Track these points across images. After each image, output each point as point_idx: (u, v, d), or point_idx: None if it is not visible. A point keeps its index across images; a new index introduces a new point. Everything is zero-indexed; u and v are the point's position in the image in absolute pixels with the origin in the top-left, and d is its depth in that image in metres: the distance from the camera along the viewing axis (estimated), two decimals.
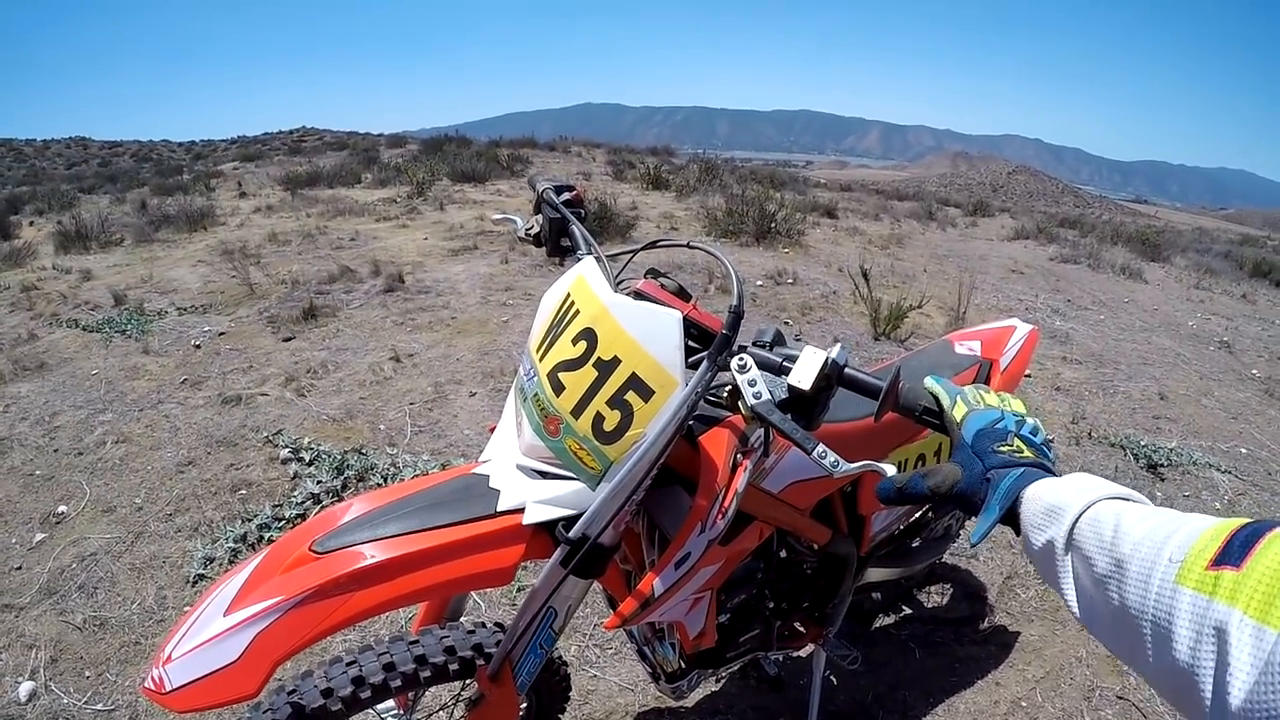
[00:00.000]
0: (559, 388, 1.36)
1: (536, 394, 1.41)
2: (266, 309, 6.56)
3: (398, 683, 1.45)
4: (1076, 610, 0.86)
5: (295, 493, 3.70)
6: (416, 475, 3.73)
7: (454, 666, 1.51)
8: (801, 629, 2.25)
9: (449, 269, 7.86)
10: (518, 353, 5.37)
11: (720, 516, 1.46)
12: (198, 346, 5.75)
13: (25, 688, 2.69)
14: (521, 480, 1.41)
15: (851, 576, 2.16)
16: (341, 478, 3.77)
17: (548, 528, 1.39)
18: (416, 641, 1.51)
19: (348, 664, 1.45)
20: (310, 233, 10.16)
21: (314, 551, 1.32)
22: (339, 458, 3.94)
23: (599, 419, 1.32)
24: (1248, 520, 0.71)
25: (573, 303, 1.43)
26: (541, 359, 1.43)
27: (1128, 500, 0.89)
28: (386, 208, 12.20)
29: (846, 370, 1.27)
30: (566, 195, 1.89)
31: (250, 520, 3.49)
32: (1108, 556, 0.80)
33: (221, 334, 6.01)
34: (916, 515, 2.60)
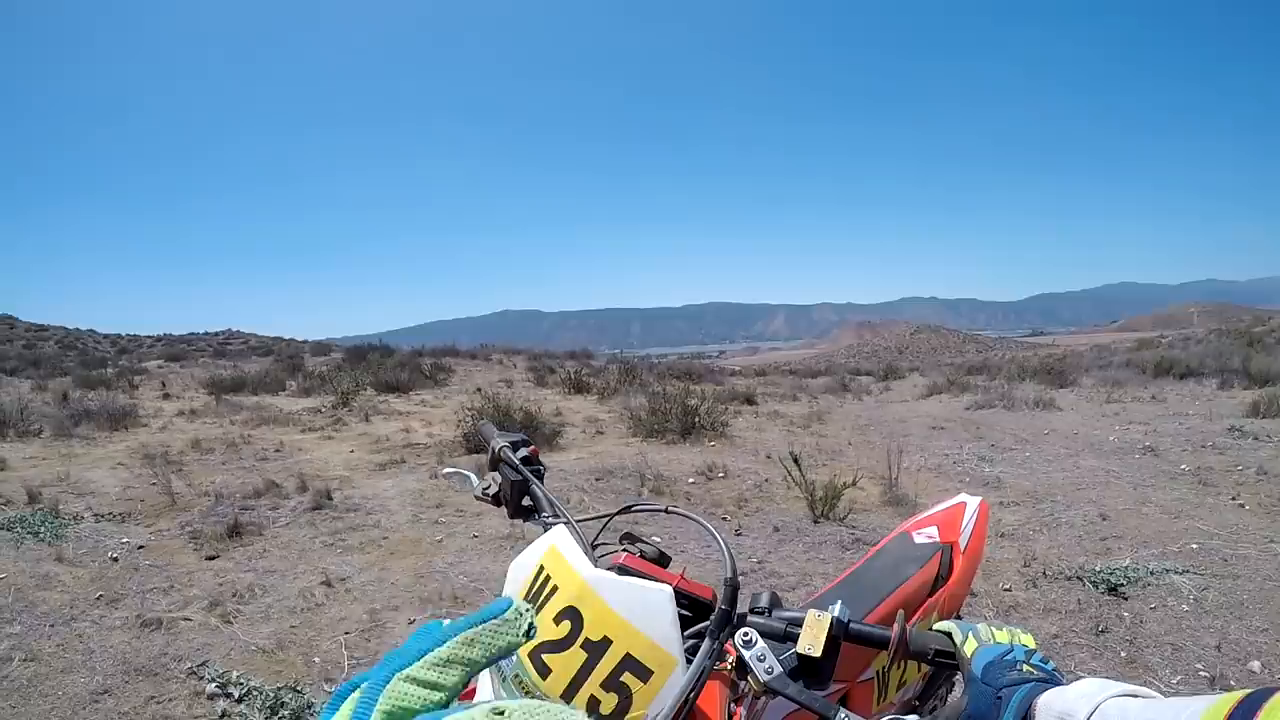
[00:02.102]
0: (544, 670, 1.27)
1: (518, 675, 1.31)
2: (189, 523, 6.36)
3: None
4: None
5: None
6: None
7: None
8: None
9: (377, 484, 7.78)
10: (455, 574, 5.28)
11: None
12: (115, 559, 5.51)
13: None
14: None
15: None
16: (276, 718, 3.53)
17: None
18: None
19: None
20: (234, 441, 10.04)
21: None
22: (272, 695, 3.68)
23: (594, 702, 1.23)
24: (1246, 692, 0.71)
25: (548, 577, 1.37)
26: None
27: (1134, 695, 0.90)
28: (312, 418, 12.18)
29: (852, 626, 1.29)
30: (524, 452, 1.83)
31: None
32: None
33: (141, 547, 5.78)
34: (904, 712, 2.55)
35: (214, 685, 3.83)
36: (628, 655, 1.23)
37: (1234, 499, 6.37)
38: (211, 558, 5.65)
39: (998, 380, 16.40)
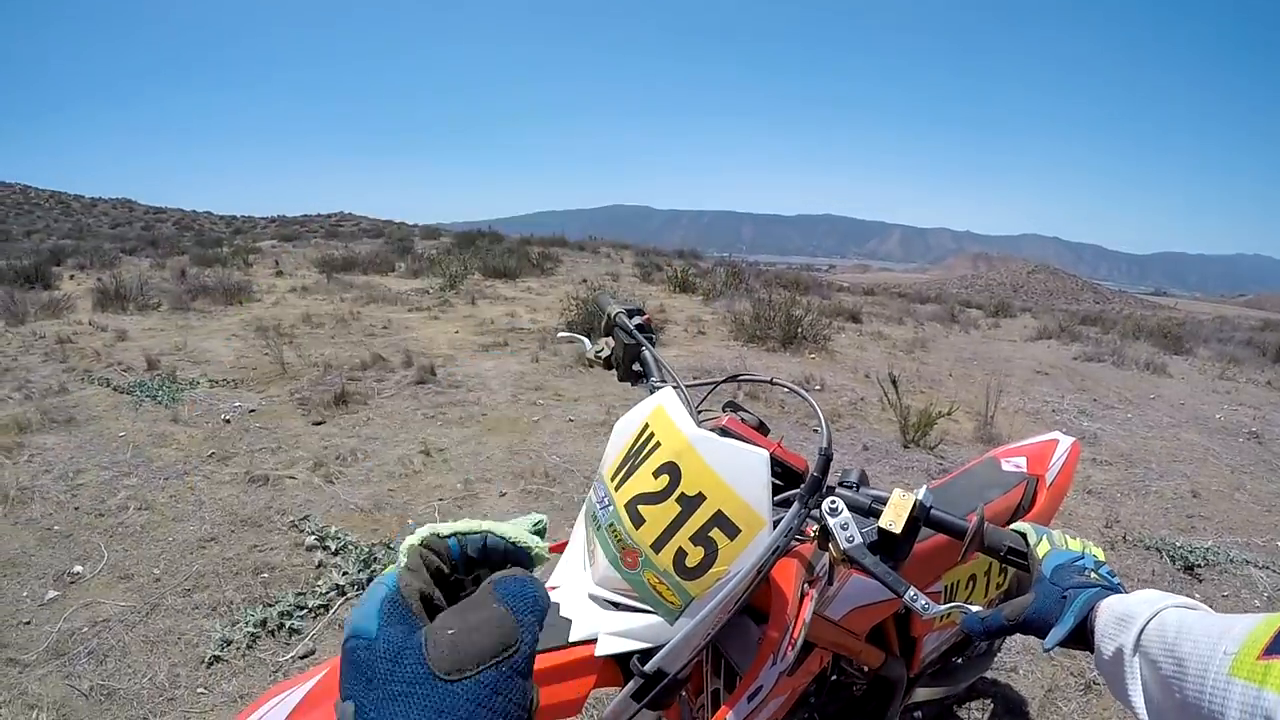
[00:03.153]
0: (639, 520, 1.30)
1: (613, 524, 1.34)
2: (298, 390, 6.59)
3: None
4: (1145, 717, 0.87)
5: (320, 582, 3.60)
6: None
7: None
8: None
9: (480, 364, 7.90)
10: (548, 454, 5.34)
11: (790, 648, 1.42)
12: (227, 421, 5.76)
13: None
14: (594, 611, 1.34)
15: (900, 698, 2.12)
16: (369, 571, 3.66)
17: (620, 658, 1.31)
18: None
19: None
20: (344, 317, 10.30)
21: None
22: (366, 550, 3.84)
23: (681, 554, 1.26)
24: None
25: (652, 434, 1.39)
26: (618, 489, 1.37)
27: (1194, 609, 0.92)
28: (419, 298, 12.39)
29: (933, 512, 1.30)
30: (638, 320, 1.87)
31: (272, 606, 3.38)
32: (1171, 657, 0.82)
33: (252, 411, 6.01)
34: (963, 635, 2.54)
35: (313, 538, 4.00)
36: (719, 512, 1.25)
37: None
38: (318, 423, 5.83)
39: (1111, 334, 15.66)
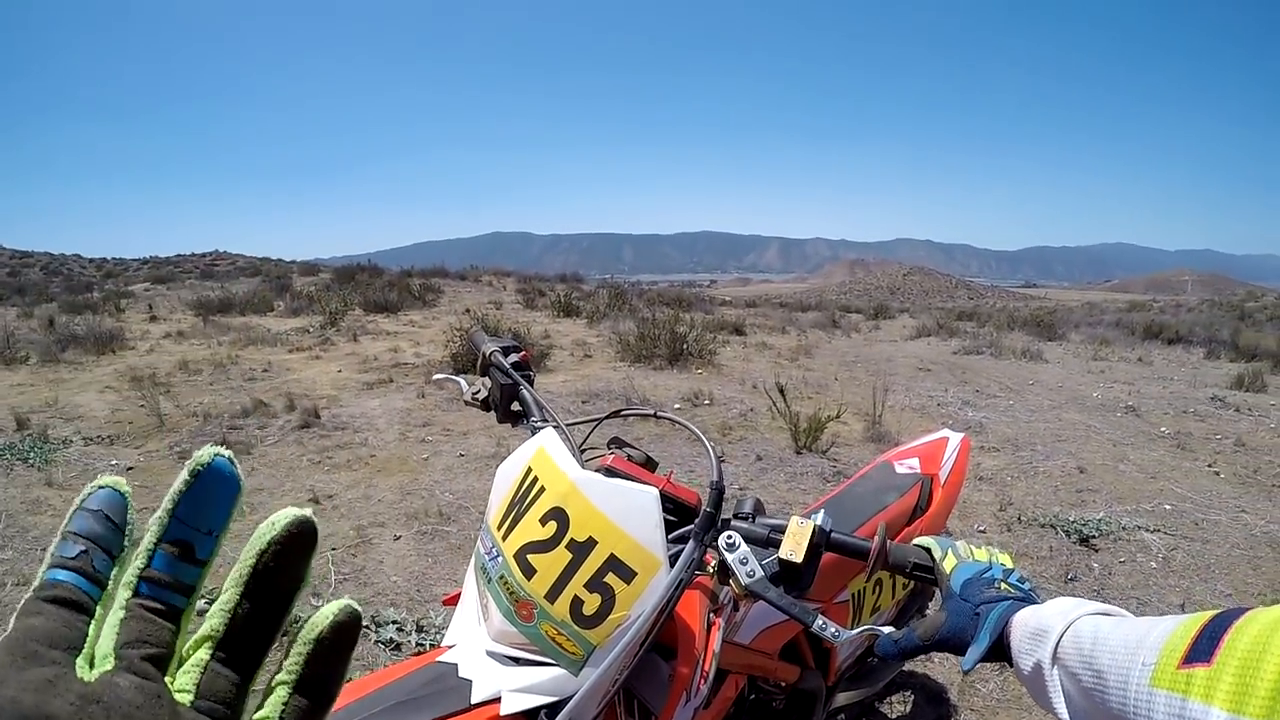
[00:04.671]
0: (529, 571, 1.28)
1: (504, 576, 1.32)
2: (177, 443, 6.40)
3: None
4: None
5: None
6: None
7: None
8: None
9: (365, 403, 7.81)
10: (441, 492, 5.34)
11: (703, 681, 1.40)
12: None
13: None
14: (494, 668, 1.30)
15: (822, 708, 2.14)
16: None
17: (527, 715, 1.27)
18: None
19: None
20: (222, 362, 10.04)
21: None
22: None
23: (578, 603, 1.24)
24: (1214, 613, 0.71)
25: (535, 478, 1.37)
26: (505, 538, 1.35)
27: (1107, 614, 0.92)
28: (299, 338, 12.18)
29: (833, 535, 1.31)
30: (514, 357, 1.84)
31: None
32: (1089, 669, 0.82)
33: (130, 469, 5.83)
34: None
35: (203, 601, 3.84)
36: (612, 556, 1.24)
37: (1210, 466, 6.41)
38: None
39: (987, 328, 16.34)
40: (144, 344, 12.02)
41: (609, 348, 11.18)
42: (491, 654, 1.32)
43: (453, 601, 1.52)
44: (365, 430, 6.86)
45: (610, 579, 1.24)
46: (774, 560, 1.29)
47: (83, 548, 0.38)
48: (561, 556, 1.26)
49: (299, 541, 0.40)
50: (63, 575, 0.37)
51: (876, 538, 1.29)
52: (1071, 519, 5.02)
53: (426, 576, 4.19)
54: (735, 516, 1.39)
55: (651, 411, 1.64)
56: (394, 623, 3.67)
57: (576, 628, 1.23)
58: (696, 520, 1.32)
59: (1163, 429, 7.57)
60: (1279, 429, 7.56)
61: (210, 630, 0.38)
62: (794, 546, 1.28)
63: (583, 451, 1.49)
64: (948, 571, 1.23)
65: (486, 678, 1.27)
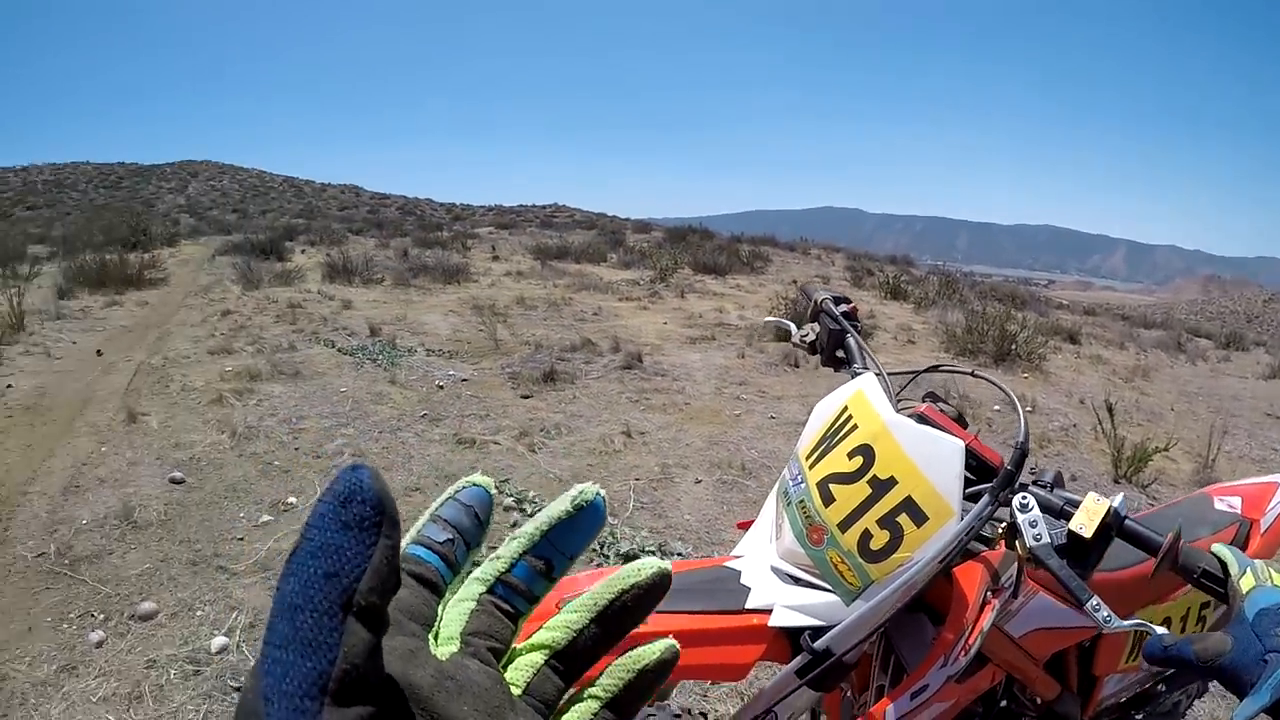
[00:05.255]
0: (828, 499, 1.33)
1: (803, 500, 1.38)
2: (509, 365, 6.77)
3: None
4: None
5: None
6: (632, 551, 3.70)
7: None
8: None
9: (686, 356, 7.87)
10: (747, 448, 5.25)
11: (963, 653, 1.38)
12: (441, 387, 6.01)
13: (218, 641, 2.93)
14: (774, 582, 1.38)
15: None
16: None
17: (790, 632, 1.35)
18: None
19: None
20: (556, 302, 10.53)
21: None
22: None
23: (866, 536, 1.28)
24: None
25: (850, 417, 1.42)
26: (812, 467, 1.41)
27: None
28: (629, 289, 12.53)
29: (1127, 522, 1.26)
30: (844, 307, 1.91)
31: None
32: None
33: (464, 380, 6.23)
34: (1148, 685, 2.31)
35: (510, 499, 4.18)
36: (909, 498, 1.27)
37: None
38: (526, 397, 5.97)
39: None
40: (486, 279, 12.85)
41: (933, 337, 10.68)
42: (775, 570, 1.40)
43: (745, 526, 1.59)
44: (683, 380, 6.89)
45: (902, 519, 1.27)
46: (1063, 531, 1.26)
47: (450, 536, 0.41)
48: (861, 490, 1.31)
49: (656, 591, 0.42)
50: (428, 556, 0.40)
51: (1170, 534, 1.22)
52: None
53: (718, 522, 4.16)
54: (1034, 482, 1.37)
55: (969, 370, 1.67)
56: (679, 554, 3.73)
57: (860, 560, 1.28)
58: (996, 477, 1.31)
59: None
60: None
61: (550, 640, 0.40)
62: (1085, 521, 1.24)
63: (898, 400, 1.51)
64: (1243, 591, 1.07)
65: (765, 588, 1.37)
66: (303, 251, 16.43)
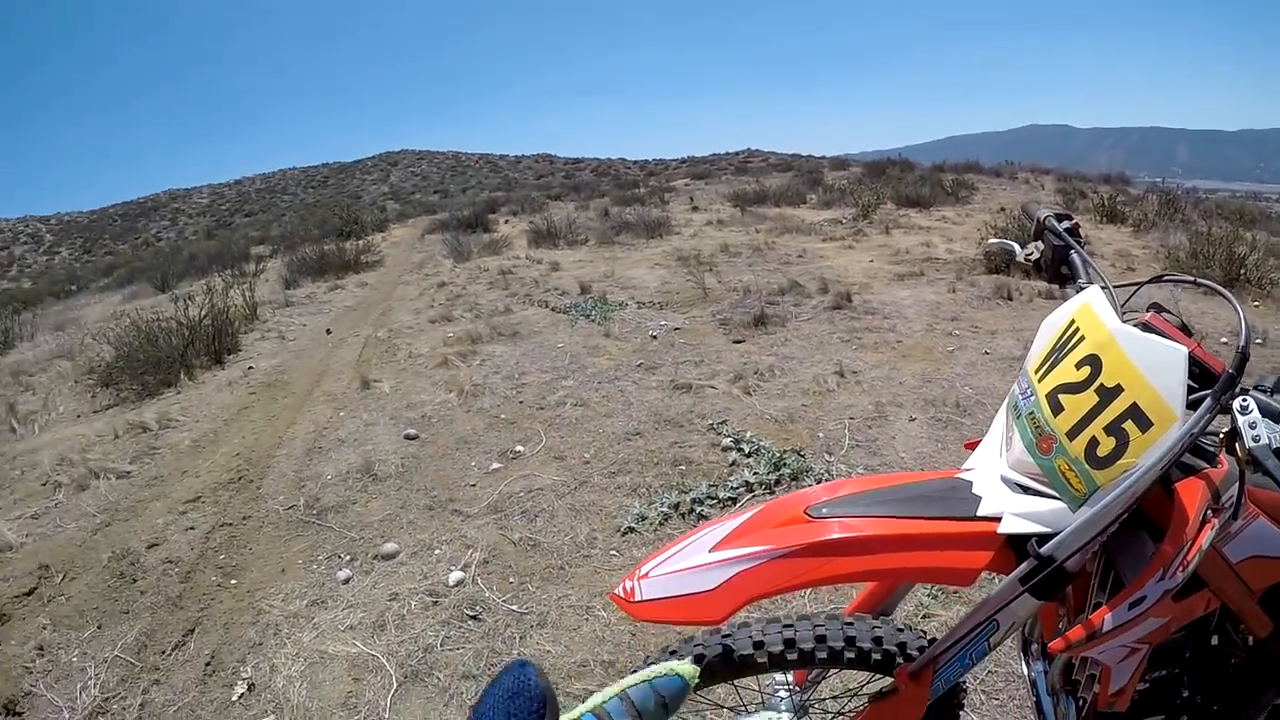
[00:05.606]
0: (1058, 408, 1.40)
1: (1033, 412, 1.46)
2: (719, 312, 6.90)
3: (823, 655, 1.55)
4: None
5: (731, 478, 3.90)
6: None
7: (876, 657, 1.58)
8: None
9: (895, 293, 7.77)
10: (961, 385, 5.18)
11: (1181, 569, 1.38)
12: (654, 337, 6.20)
13: (455, 575, 3.22)
14: (1003, 491, 1.46)
15: (1277, 686, 1.88)
16: (777, 473, 3.89)
17: (1015, 544, 1.41)
18: (850, 623, 1.60)
19: (784, 625, 1.58)
20: (759, 247, 10.56)
21: (808, 515, 1.45)
22: (777, 455, 4.07)
23: (1093, 443, 1.33)
24: None
25: (1077, 329, 1.48)
26: (1041, 380, 1.49)
27: None
28: (832, 228, 12.39)
29: None
30: (1067, 224, 1.92)
31: (686, 493, 3.74)
32: None
33: (676, 329, 6.39)
34: None
35: (729, 440, 4.31)
36: (1134, 405, 1.30)
37: None
38: (738, 342, 6.08)
39: None
40: (687, 230, 12.99)
41: (1155, 262, 10.02)
42: (1004, 479, 1.48)
43: (973, 446, 1.68)
44: (894, 318, 6.82)
45: (1128, 425, 1.30)
46: None
47: (632, 717, 0.45)
48: (1089, 399, 1.36)
49: None
50: None
51: None
52: None
53: (933, 459, 4.15)
54: (1256, 387, 1.37)
55: (1192, 279, 1.64)
56: None
57: (1087, 466, 1.33)
58: (1218, 381, 1.31)
59: None
60: None
61: None
62: None
63: (1123, 312, 1.53)
64: None
65: (995, 497, 1.44)
66: (506, 221, 17.11)
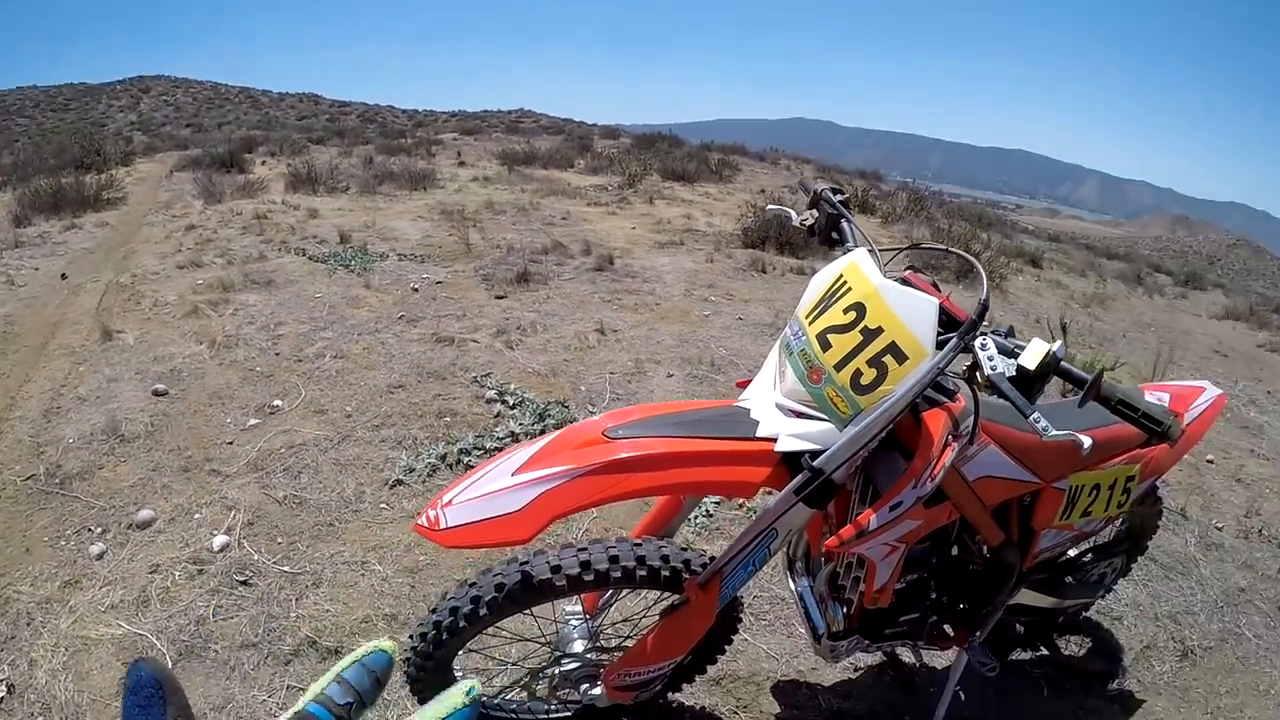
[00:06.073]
0: (827, 346, 1.63)
1: (804, 350, 1.69)
2: (482, 268, 6.87)
3: (617, 574, 1.75)
4: None
5: (497, 429, 3.96)
6: None
7: (665, 574, 1.79)
8: (950, 631, 2.44)
9: (655, 259, 7.98)
10: (716, 346, 5.44)
11: (930, 479, 1.69)
12: (416, 290, 6.10)
13: (219, 540, 3.08)
14: (779, 416, 1.69)
15: (1009, 588, 2.31)
16: (542, 424, 4.00)
17: (789, 462, 1.64)
18: (639, 545, 1.80)
19: (579, 549, 1.76)
20: (524, 207, 10.56)
21: (606, 436, 1.62)
22: (542, 406, 4.18)
23: (858, 374, 1.58)
24: None
25: (845, 282, 1.70)
26: (812, 323, 1.71)
27: None
28: (598, 194, 12.54)
29: (1062, 363, 1.55)
30: (840, 196, 2.19)
31: (453, 444, 3.76)
32: None
33: (438, 283, 6.33)
34: (1075, 553, 2.74)
35: (493, 392, 4.36)
36: (893, 343, 1.57)
37: None
38: (500, 297, 6.09)
39: None
40: (452, 185, 12.82)
41: (926, 270, 10.82)
42: (779, 406, 1.71)
43: (744, 385, 1.91)
44: (653, 282, 7.03)
45: (887, 359, 1.57)
46: (1013, 365, 1.55)
47: (351, 700, 0.50)
48: (854, 338, 1.61)
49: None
50: (325, 716, 0.48)
51: (1095, 373, 1.52)
52: None
53: None
54: (993, 331, 1.64)
55: (944, 248, 2.01)
56: None
57: (852, 393, 1.59)
58: (963, 325, 1.58)
59: None
60: None
61: None
62: (1031, 359, 1.53)
63: (885, 271, 1.77)
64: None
65: (771, 421, 1.69)
66: (263, 163, 16.20)
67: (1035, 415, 1.47)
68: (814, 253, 8.97)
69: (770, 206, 2.69)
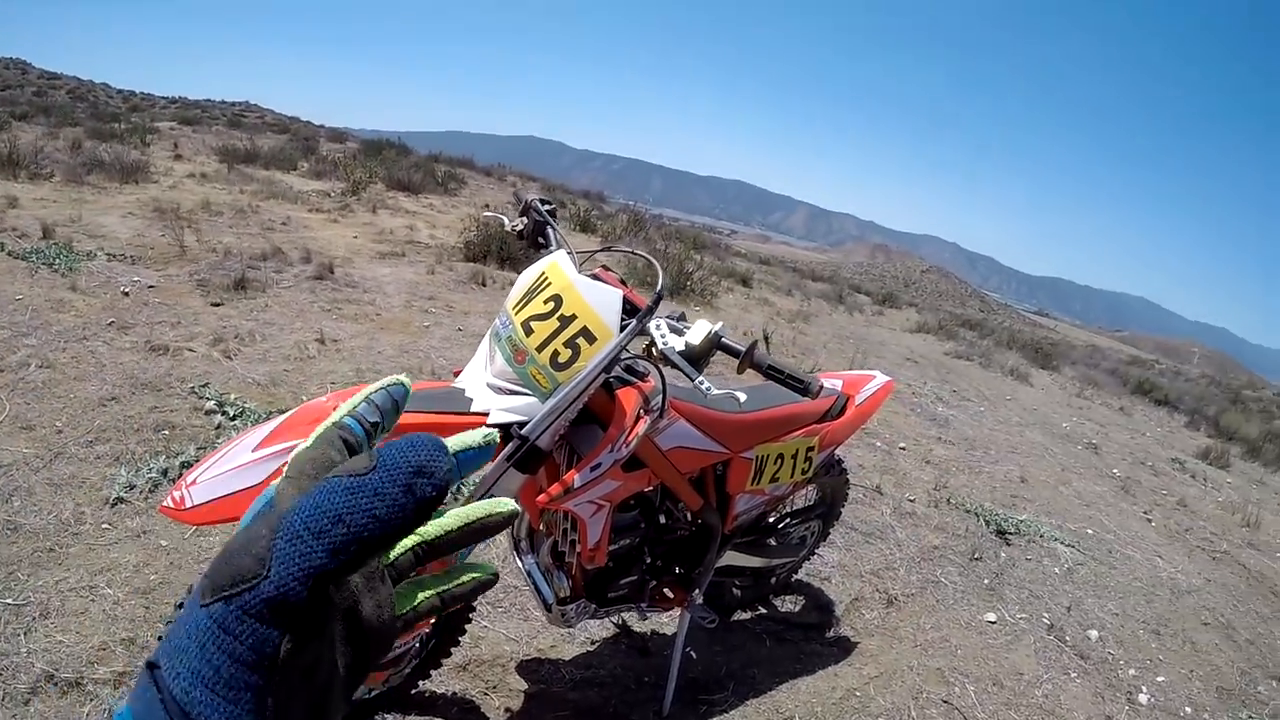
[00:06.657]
0: (529, 331, 1.90)
1: (510, 336, 1.94)
2: (197, 272, 6.72)
3: None
4: None
5: (219, 440, 3.92)
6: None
7: None
8: (670, 594, 2.78)
9: (377, 270, 8.12)
10: (436, 356, 5.70)
11: (625, 445, 2.06)
12: (126, 294, 5.87)
13: None
14: (490, 394, 1.93)
15: (716, 548, 2.73)
16: None
17: (503, 433, 1.86)
18: None
19: None
20: (243, 209, 10.30)
21: None
22: (263, 416, 4.18)
23: (556, 354, 1.87)
24: None
25: (546, 278, 1.99)
26: (517, 313, 1.96)
27: None
28: (320, 200, 12.41)
29: (723, 340, 1.98)
30: (548, 206, 2.50)
31: (175, 457, 3.70)
32: None
33: (151, 287, 6.13)
34: (774, 520, 3.30)
35: (212, 403, 4.33)
36: (584, 327, 1.88)
37: (1145, 513, 6.57)
38: (217, 304, 6.04)
39: (986, 340, 16.12)
40: (167, 180, 12.26)
41: (617, 268, 11.33)
42: (490, 385, 1.96)
43: (459, 372, 2.11)
44: (374, 292, 7.19)
45: (580, 341, 1.87)
46: (683, 342, 1.95)
47: (376, 419, 0.56)
48: (552, 324, 1.90)
49: (499, 529, 0.55)
50: (357, 429, 0.54)
51: (750, 343, 1.99)
52: (997, 512, 5.34)
53: None
54: (668, 318, 2.04)
55: (633, 250, 2.45)
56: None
57: (552, 370, 1.87)
58: (641, 311, 1.96)
59: (1115, 470, 7.74)
60: (1225, 504, 7.70)
61: (424, 534, 0.51)
62: (696, 335, 1.96)
63: (581, 270, 2.12)
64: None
65: (484, 397, 1.93)
66: None
67: (699, 379, 1.84)
68: (530, 260, 9.33)
69: (486, 213, 3.15)
